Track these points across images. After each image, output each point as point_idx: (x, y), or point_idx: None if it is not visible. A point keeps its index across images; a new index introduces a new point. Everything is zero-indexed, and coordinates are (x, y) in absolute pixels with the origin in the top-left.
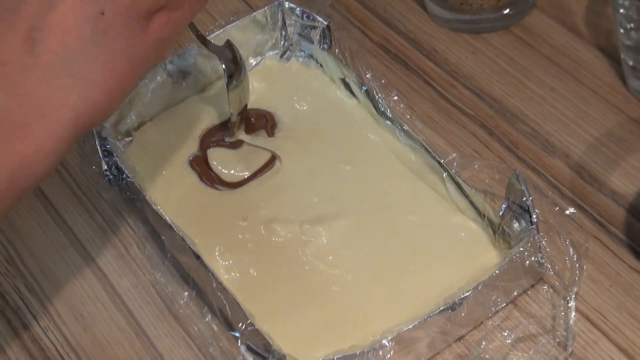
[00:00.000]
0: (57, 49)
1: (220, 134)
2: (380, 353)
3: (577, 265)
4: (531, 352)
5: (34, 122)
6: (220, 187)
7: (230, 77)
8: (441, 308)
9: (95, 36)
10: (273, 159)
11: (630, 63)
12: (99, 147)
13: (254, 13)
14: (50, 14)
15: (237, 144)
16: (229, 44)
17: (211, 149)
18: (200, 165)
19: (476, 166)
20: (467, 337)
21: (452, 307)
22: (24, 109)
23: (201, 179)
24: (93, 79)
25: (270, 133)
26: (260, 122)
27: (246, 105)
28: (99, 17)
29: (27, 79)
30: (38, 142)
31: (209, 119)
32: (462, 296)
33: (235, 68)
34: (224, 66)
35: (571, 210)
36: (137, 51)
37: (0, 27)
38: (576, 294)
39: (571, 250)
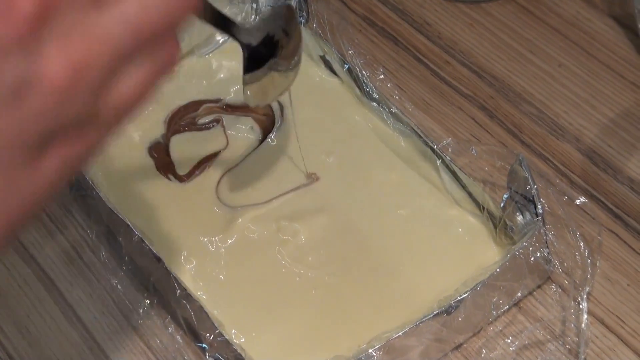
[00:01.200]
0: None
1: (190, 116)
2: None
3: (589, 261)
4: None
5: None
6: (172, 178)
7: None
8: (435, 312)
9: None
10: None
11: None
12: None
13: None
14: None
15: (209, 127)
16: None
17: (176, 136)
18: (159, 153)
19: (474, 152)
20: (465, 345)
21: (448, 311)
22: None
23: (157, 168)
24: None
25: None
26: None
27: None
28: None
29: None
30: None
31: (175, 99)
32: (459, 298)
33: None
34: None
35: (582, 199)
36: (20, 194)
37: None
38: (588, 294)
39: (582, 244)
